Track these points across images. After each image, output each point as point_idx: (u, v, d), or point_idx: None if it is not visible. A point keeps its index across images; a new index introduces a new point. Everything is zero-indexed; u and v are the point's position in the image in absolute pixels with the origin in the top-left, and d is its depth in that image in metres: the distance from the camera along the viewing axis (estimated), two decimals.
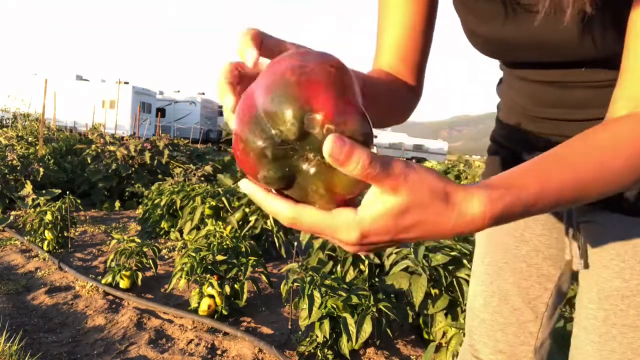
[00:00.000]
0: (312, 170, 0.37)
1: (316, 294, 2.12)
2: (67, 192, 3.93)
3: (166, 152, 6.59)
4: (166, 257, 3.71)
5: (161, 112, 23.51)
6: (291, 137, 0.35)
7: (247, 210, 3.66)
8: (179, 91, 27.45)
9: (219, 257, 2.64)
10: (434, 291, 2.22)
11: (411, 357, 2.27)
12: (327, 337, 2.08)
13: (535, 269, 0.85)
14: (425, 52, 0.73)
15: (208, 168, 6.17)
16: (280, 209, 0.40)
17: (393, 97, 0.67)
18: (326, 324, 2.09)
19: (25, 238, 3.75)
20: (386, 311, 2.10)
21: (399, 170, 0.38)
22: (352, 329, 2.03)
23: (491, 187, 0.43)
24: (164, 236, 4.33)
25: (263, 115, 0.36)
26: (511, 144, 0.84)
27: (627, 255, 0.71)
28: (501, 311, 0.87)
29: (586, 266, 0.79)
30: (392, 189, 0.38)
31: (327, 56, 0.37)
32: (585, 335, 0.76)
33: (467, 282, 2.12)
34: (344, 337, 2.04)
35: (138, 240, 3.06)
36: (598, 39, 0.59)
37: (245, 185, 0.42)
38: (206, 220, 3.77)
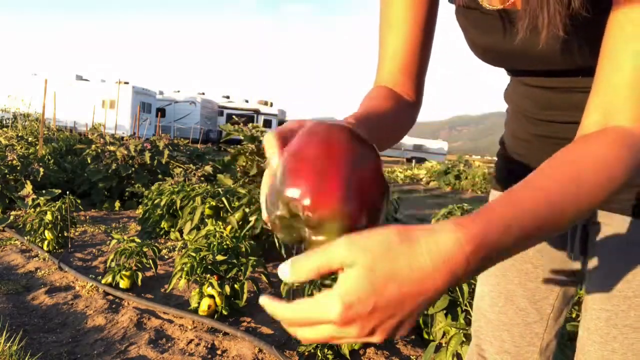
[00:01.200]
0: (309, 240, 0.43)
1: (316, 293, 2.12)
2: (67, 192, 3.93)
3: (166, 152, 6.58)
4: (166, 257, 3.71)
5: (161, 112, 23.48)
6: (287, 216, 0.42)
7: (247, 210, 3.66)
8: (179, 91, 27.43)
9: (219, 257, 2.64)
10: None
11: (411, 357, 2.27)
12: None
13: (541, 270, 0.85)
14: (425, 62, 0.76)
15: (208, 168, 6.17)
16: (279, 311, 0.43)
17: (395, 123, 0.70)
18: None
19: (25, 238, 3.75)
20: None
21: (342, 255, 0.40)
22: None
23: (457, 219, 0.41)
24: (164, 236, 4.33)
25: (268, 200, 0.45)
26: (515, 146, 0.86)
27: (630, 256, 0.71)
28: (507, 312, 0.88)
29: (584, 265, 0.80)
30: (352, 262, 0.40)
31: (311, 140, 0.42)
32: (588, 336, 0.76)
33: (467, 282, 2.13)
34: None
35: (138, 240, 3.06)
36: (576, 55, 0.63)
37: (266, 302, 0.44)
38: (206, 220, 3.77)
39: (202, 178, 5.88)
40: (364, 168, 0.41)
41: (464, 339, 1.89)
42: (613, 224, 0.74)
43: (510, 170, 0.89)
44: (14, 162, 5.10)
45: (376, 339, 0.41)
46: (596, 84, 0.57)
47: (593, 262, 0.78)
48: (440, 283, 0.39)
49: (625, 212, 0.72)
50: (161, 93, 26.66)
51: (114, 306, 2.71)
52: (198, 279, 2.62)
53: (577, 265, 0.83)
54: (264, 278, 2.76)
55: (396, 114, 0.70)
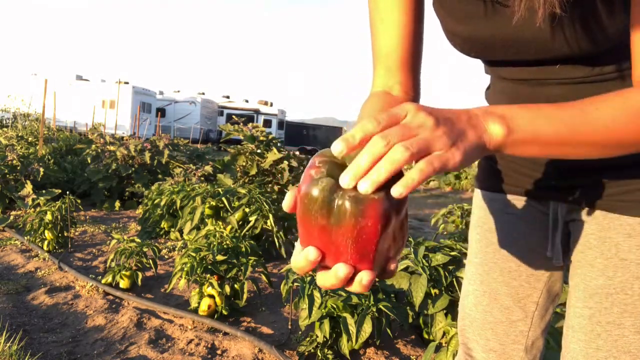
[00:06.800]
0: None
1: (316, 293, 2.12)
2: (67, 192, 3.93)
3: (166, 152, 6.58)
4: (166, 257, 3.71)
5: (161, 112, 23.48)
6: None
7: (247, 210, 3.66)
8: (179, 91, 27.41)
9: (219, 257, 2.64)
10: (434, 291, 2.22)
11: (411, 357, 2.27)
12: (327, 337, 2.08)
13: (524, 268, 0.86)
14: (420, 53, 0.77)
15: (208, 168, 6.16)
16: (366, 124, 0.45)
17: None
18: (326, 324, 2.09)
19: (25, 238, 3.75)
20: (386, 311, 2.10)
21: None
22: (352, 329, 2.03)
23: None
24: (164, 236, 4.33)
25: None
26: None
27: (610, 252, 0.72)
28: (491, 310, 0.88)
29: (566, 263, 0.81)
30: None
31: None
32: (572, 334, 0.77)
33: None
34: (344, 337, 2.04)
35: (138, 240, 3.06)
36: (569, 37, 0.63)
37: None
38: (206, 220, 3.77)
39: (202, 178, 5.87)
40: None
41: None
42: (594, 221, 0.75)
43: (492, 167, 0.89)
44: (14, 162, 5.10)
45: (456, 152, 0.47)
46: (634, 58, 0.60)
47: (574, 260, 0.79)
48: (477, 110, 0.51)
49: (605, 209, 0.73)
50: (161, 93, 26.65)
51: (114, 306, 2.71)
52: (198, 279, 2.62)
53: (559, 263, 0.84)
54: (264, 278, 2.76)
55: None
